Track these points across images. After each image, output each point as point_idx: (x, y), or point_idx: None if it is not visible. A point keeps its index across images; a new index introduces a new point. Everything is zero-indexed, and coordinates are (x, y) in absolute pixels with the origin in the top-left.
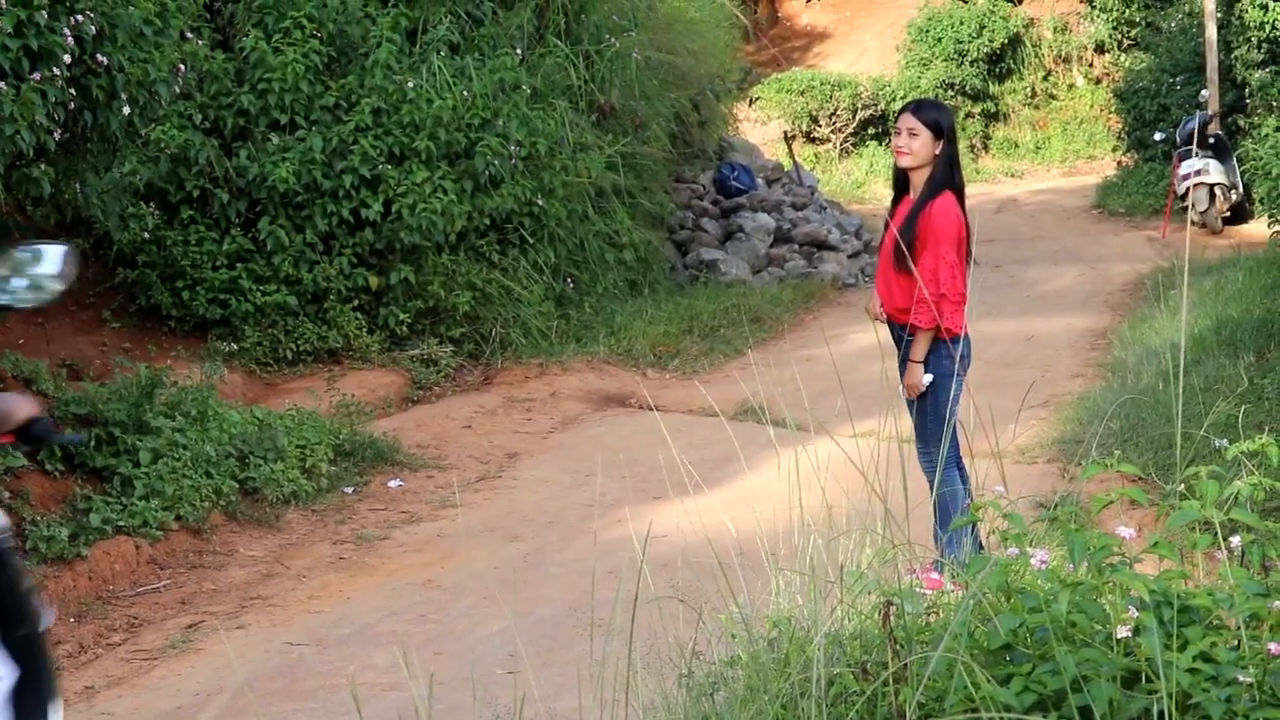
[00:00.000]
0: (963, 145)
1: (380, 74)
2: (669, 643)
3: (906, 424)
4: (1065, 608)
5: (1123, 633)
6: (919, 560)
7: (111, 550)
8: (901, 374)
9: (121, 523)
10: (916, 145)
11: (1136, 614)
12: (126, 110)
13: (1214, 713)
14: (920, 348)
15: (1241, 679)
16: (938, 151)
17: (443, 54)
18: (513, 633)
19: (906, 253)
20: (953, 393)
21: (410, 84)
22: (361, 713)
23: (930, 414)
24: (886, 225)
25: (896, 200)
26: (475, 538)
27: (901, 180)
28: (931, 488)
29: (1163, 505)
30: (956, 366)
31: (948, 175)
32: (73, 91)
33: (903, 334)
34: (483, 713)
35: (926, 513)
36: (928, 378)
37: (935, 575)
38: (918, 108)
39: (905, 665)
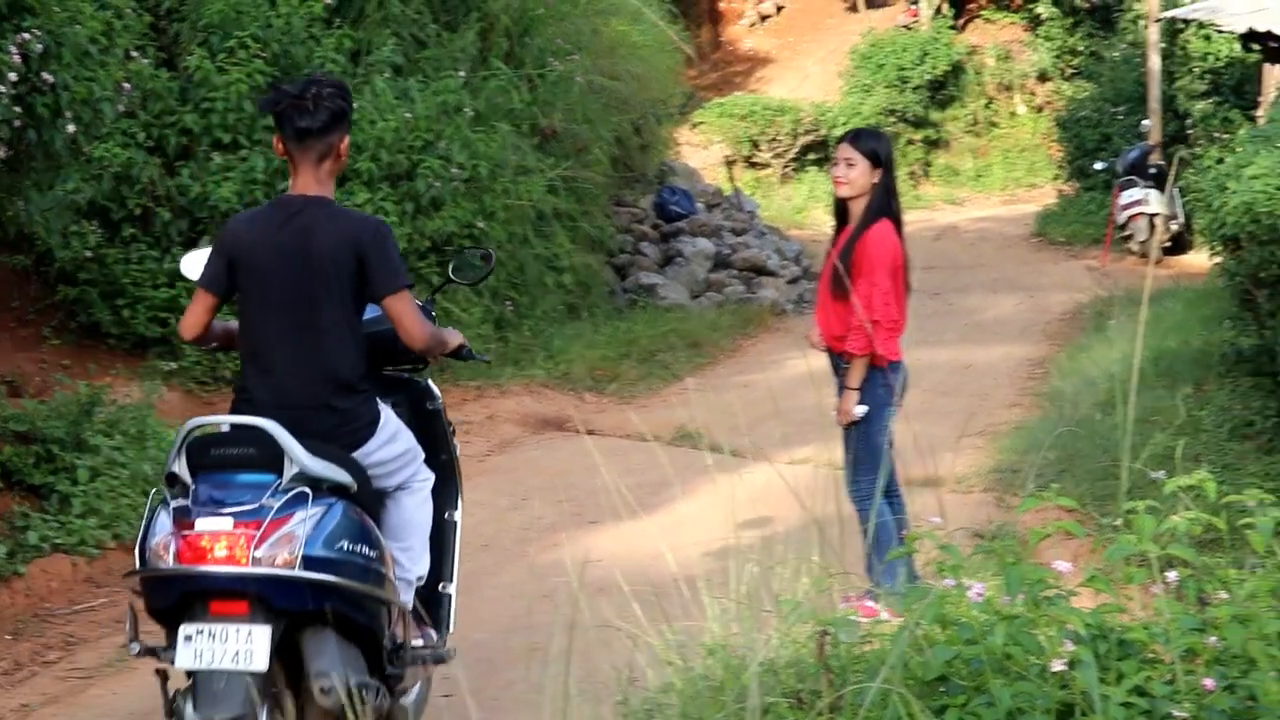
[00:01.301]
0: (903, 172)
1: None
2: (606, 669)
3: (842, 452)
4: (1001, 640)
5: (1058, 666)
6: (854, 589)
7: (49, 568)
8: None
9: (59, 540)
10: (854, 175)
11: (1072, 647)
12: (71, 128)
13: None
14: (855, 375)
15: (1177, 714)
16: (875, 180)
17: (386, 75)
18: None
19: (845, 279)
20: (887, 422)
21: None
22: None
23: (862, 443)
24: (828, 254)
25: (838, 229)
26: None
27: (842, 209)
28: (861, 517)
29: (1099, 538)
30: (893, 396)
31: (885, 203)
32: (18, 109)
33: (840, 362)
34: None
35: (861, 541)
36: (862, 408)
37: (870, 604)
38: (855, 137)
39: (840, 695)
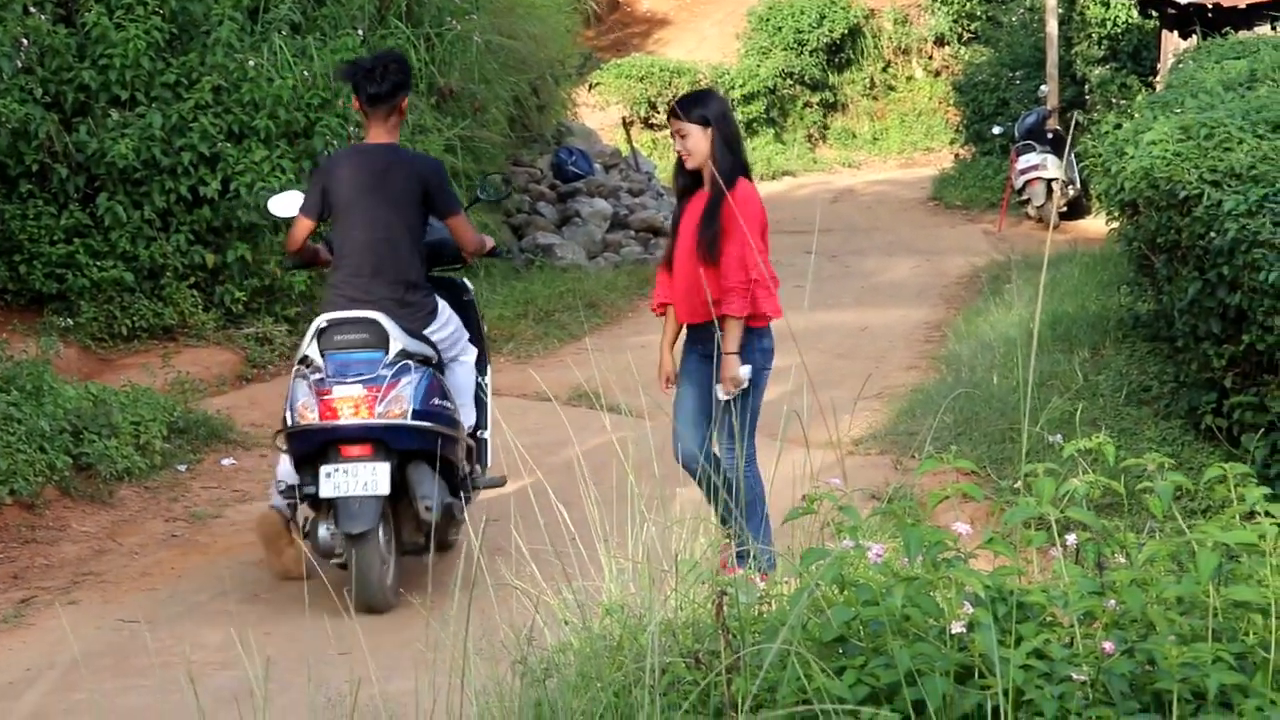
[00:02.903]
0: (800, 135)
1: (221, 52)
2: (503, 628)
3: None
4: (900, 601)
5: (957, 628)
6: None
7: None
8: (715, 374)
9: None
10: (691, 144)
11: (971, 609)
12: None
13: (1047, 710)
14: (733, 339)
15: (1076, 676)
16: (712, 140)
17: (284, 33)
18: (343, 614)
19: (717, 243)
20: (765, 385)
21: (251, 63)
22: (195, 691)
23: (745, 408)
24: (675, 225)
25: (686, 197)
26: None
27: (688, 180)
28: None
29: (997, 501)
30: (771, 358)
31: (732, 159)
32: None
33: (713, 331)
34: (315, 693)
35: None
36: (746, 368)
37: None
38: (680, 107)
39: (739, 656)
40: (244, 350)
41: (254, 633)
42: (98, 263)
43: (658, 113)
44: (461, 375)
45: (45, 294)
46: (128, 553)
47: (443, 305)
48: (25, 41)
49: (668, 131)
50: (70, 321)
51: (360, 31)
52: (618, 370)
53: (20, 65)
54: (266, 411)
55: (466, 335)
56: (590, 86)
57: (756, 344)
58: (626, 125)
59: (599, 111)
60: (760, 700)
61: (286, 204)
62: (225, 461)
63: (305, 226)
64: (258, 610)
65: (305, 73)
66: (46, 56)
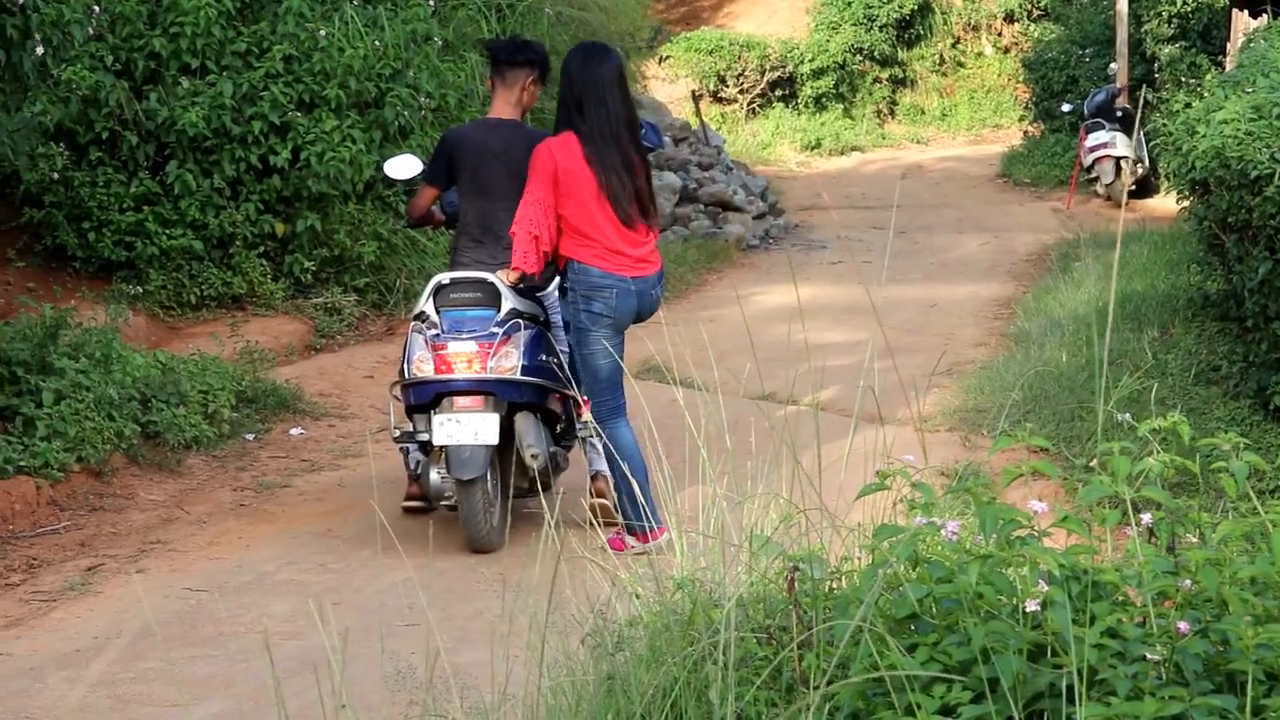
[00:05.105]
0: (869, 110)
1: (292, 21)
2: (573, 601)
3: (824, 388)
4: (974, 579)
5: (1032, 606)
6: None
7: (12, 490)
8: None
9: (23, 463)
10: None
11: (1046, 587)
12: (40, 50)
13: (1121, 689)
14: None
15: (1149, 656)
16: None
17: (355, 3)
18: (412, 584)
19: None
20: (602, 343)
21: (322, 32)
22: (263, 660)
23: (582, 367)
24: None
25: None
26: (376, 488)
27: None
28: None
29: (1070, 479)
30: (600, 317)
31: (563, 116)
32: None
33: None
34: (386, 664)
35: (835, 476)
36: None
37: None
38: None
39: (811, 632)
40: (312, 320)
41: (321, 603)
42: (167, 231)
43: (727, 87)
44: (564, 334)
45: (114, 262)
46: (195, 521)
47: (550, 270)
48: (96, 8)
49: (736, 106)
50: (139, 289)
51: (431, 2)
52: (689, 343)
53: (91, 32)
54: (335, 382)
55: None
56: (660, 60)
57: (580, 304)
58: (696, 99)
59: (668, 84)
60: (832, 676)
61: (402, 167)
62: (294, 431)
63: (430, 194)
64: (325, 580)
65: (376, 42)
66: (117, 24)
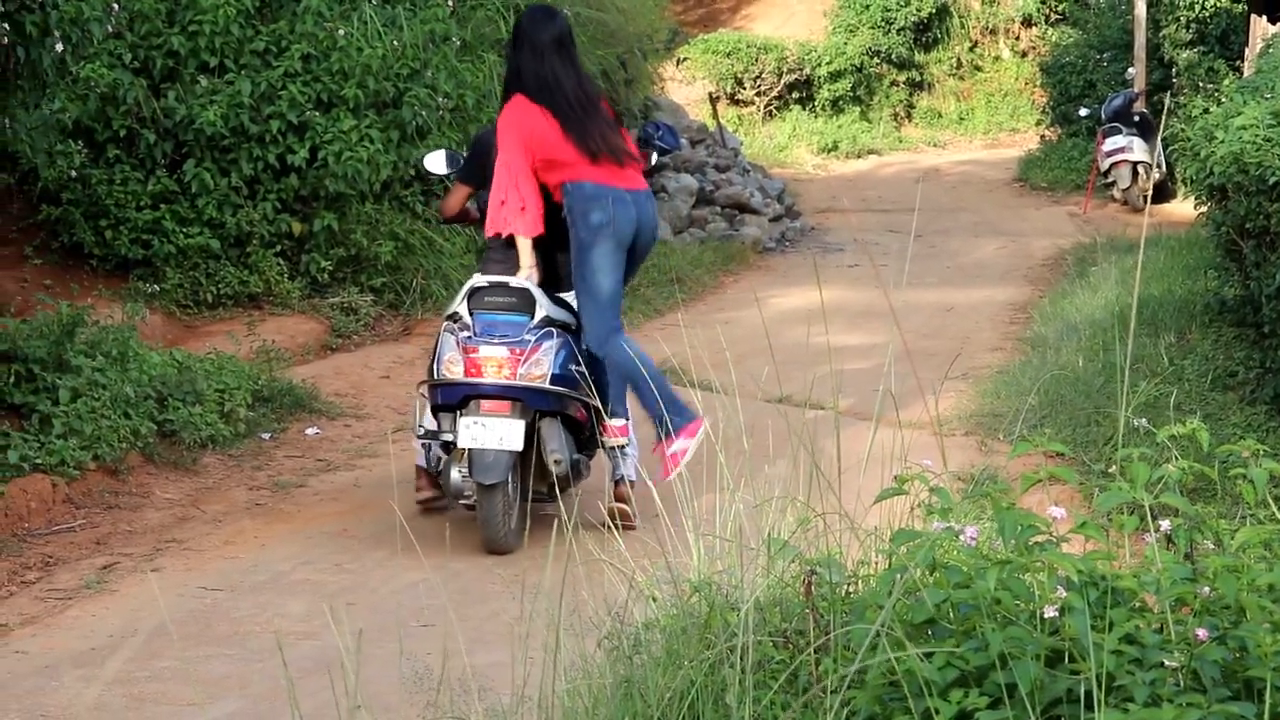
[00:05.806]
0: (886, 113)
1: (311, 20)
2: (590, 603)
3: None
4: (992, 584)
5: (1050, 612)
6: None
7: (28, 488)
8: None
9: (39, 460)
10: None
11: (1064, 593)
12: (59, 47)
13: (1139, 695)
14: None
15: (1167, 663)
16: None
17: (374, 3)
18: (428, 585)
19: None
20: (604, 259)
21: (341, 31)
22: (278, 660)
23: (581, 290)
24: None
25: None
26: (391, 488)
27: None
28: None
29: (1087, 485)
30: (597, 233)
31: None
32: (6, 27)
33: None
34: (402, 665)
35: (854, 481)
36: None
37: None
38: None
39: (827, 636)
40: (329, 320)
41: (336, 603)
42: (184, 229)
43: (744, 89)
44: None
45: (131, 259)
46: (211, 520)
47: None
48: (116, 6)
49: (753, 108)
50: (156, 287)
51: (450, 2)
52: (706, 345)
53: (110, 30)
54: (351, 381)
55: None
56: (677, 61)
57: (579, 224)
58: (713, 101)
59: (685, 86)
60: (849, 681)
61: (438, 162)
62: (310, 431)
63: (463, 192)
64: (341, 581)
65: (394, 42)
66: (136, 21)
